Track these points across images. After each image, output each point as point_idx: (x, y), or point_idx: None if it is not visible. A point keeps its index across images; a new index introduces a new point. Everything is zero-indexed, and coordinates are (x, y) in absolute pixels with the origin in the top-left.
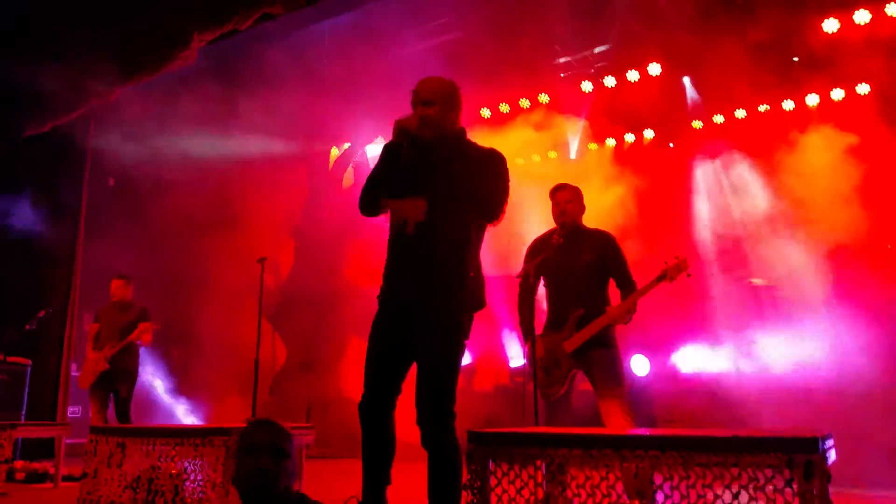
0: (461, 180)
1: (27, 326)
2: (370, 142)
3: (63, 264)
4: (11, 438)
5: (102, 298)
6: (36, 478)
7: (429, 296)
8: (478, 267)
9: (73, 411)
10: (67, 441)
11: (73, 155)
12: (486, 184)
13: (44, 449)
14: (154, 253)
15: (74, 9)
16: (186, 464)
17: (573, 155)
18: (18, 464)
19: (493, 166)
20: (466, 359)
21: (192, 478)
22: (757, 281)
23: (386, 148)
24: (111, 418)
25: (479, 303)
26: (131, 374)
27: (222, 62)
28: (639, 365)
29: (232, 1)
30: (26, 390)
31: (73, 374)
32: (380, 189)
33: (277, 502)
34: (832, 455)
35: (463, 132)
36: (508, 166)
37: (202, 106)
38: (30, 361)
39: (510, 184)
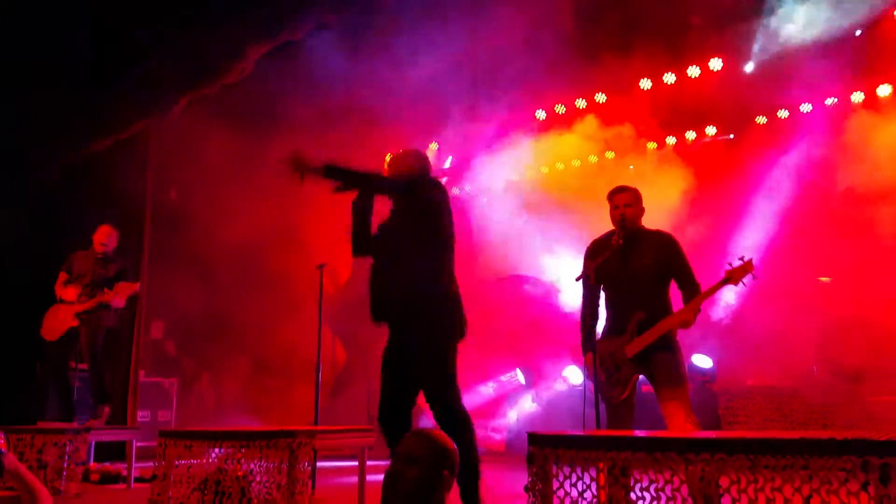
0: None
1: None
2: (424, 149)
3: (129, 275)
4: (86, 441)
5: (167, 307)
6: (110, 479)
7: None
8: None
9: (142, 415)
10: (138, 444)
11: (136, 169)
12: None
13: (116, 451)
14: (216, 262)
15: (129, 26)
16: (252, 465)
17: (630, 154)
18: (93, 465)
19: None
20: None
21: (257, 479)
22: (824, 279)
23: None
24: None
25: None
26: (98, 334)
27: (276, 69)
28: (702, 362)
29: (285, 12)
30: None
31: (142, 379)
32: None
33: None
34: None
35: (419, 177)
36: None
37: (257, 112)
38: None
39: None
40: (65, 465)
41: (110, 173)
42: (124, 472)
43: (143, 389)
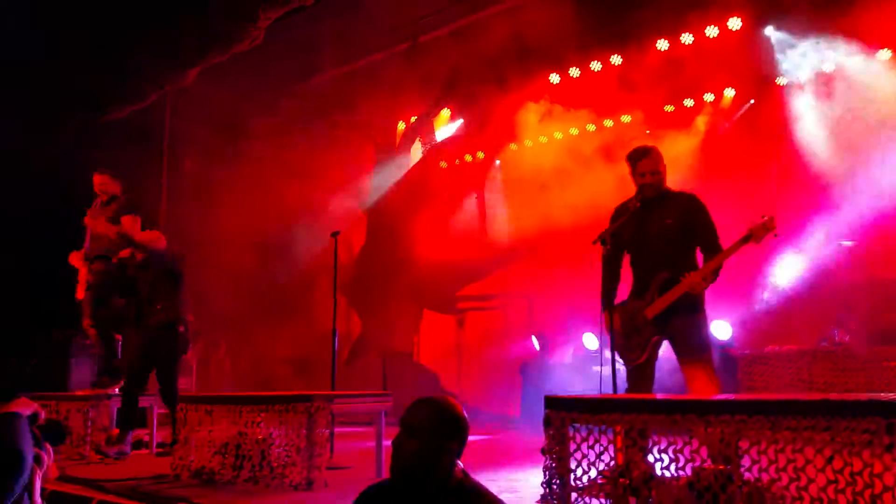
0: None
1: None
2: (436, 115)
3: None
4: (108, 408)
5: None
6: (132, 445)
7: None
8: None
9: None
10: (159, 410)
11: (152, 139)
12: None
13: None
14: (231, 232)
15: None
16: (272, 430)
17: (647, 118)
18: (115, 431)
19: None
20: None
21: (277, 443)
22: (846, 243)
23: None
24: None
25: None
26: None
27: (288, 38)
28: (720, 330)
29: None
30: None
31: None
32: None
33: (424, 480)
34: None
35: None
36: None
37: (272, 83)
38: (120, 336)
39: None
40: (88, 431)
41: (125, 144)
42: (146, 438)
43: None
